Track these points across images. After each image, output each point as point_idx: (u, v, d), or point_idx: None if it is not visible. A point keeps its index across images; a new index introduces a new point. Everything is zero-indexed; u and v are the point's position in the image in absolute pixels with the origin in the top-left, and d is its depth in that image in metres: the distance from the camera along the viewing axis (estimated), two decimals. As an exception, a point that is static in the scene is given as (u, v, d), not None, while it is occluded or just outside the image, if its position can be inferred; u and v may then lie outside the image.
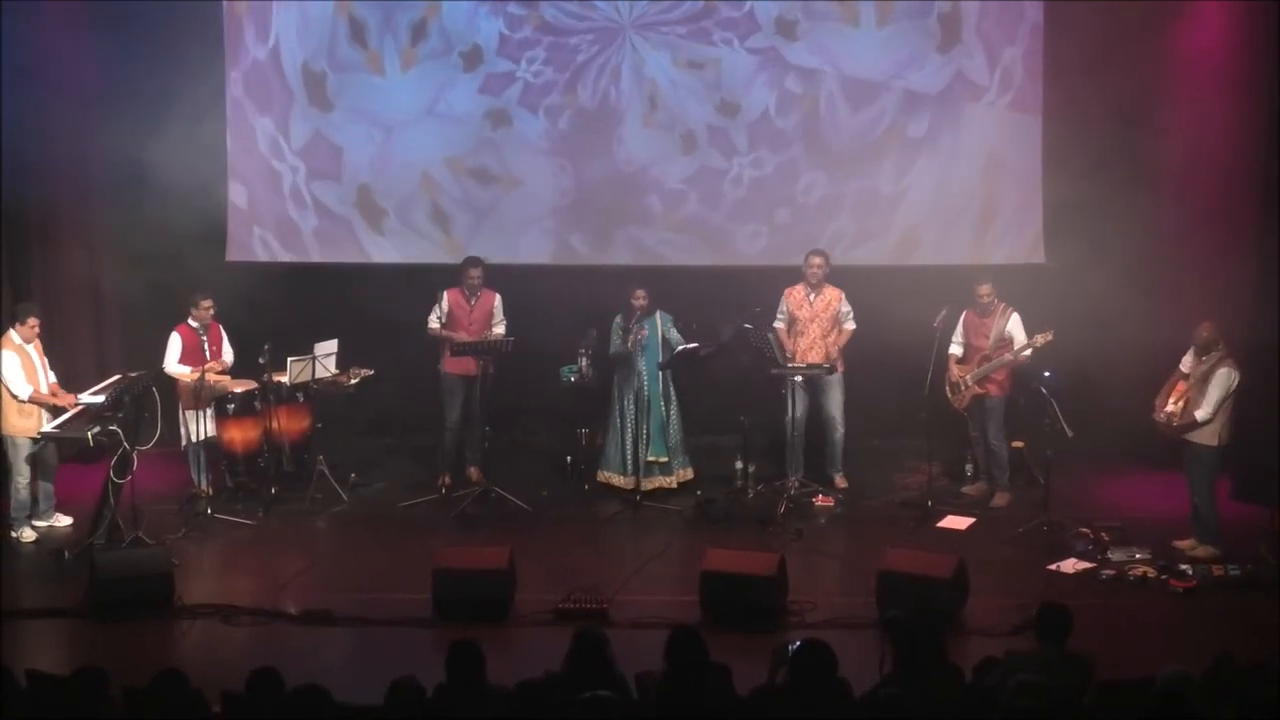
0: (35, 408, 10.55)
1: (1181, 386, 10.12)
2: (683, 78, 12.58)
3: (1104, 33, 12.01)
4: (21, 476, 10.62)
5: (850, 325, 11.64)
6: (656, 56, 12.55)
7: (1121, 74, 11.92)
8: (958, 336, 11.40)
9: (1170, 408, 10.11)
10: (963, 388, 11.28)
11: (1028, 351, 10.97)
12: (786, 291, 11.72)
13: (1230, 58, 11.49)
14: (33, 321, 10.67)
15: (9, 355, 10.51)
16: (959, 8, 12.33)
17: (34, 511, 10.79)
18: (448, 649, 6.44)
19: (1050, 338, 10.88)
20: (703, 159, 12.70)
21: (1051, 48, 12.41)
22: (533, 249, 12.87)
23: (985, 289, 11.22)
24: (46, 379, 10.73)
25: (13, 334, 10.64)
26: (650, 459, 11.51)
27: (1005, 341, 11.13)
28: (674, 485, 11.63)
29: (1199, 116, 11.66)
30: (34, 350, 10.69)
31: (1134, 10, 11.89)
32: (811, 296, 11.61)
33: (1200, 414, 9.93)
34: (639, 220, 12.86)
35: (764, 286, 12.00)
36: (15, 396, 10.47)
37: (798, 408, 11.54)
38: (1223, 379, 9.93)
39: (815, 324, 11.60)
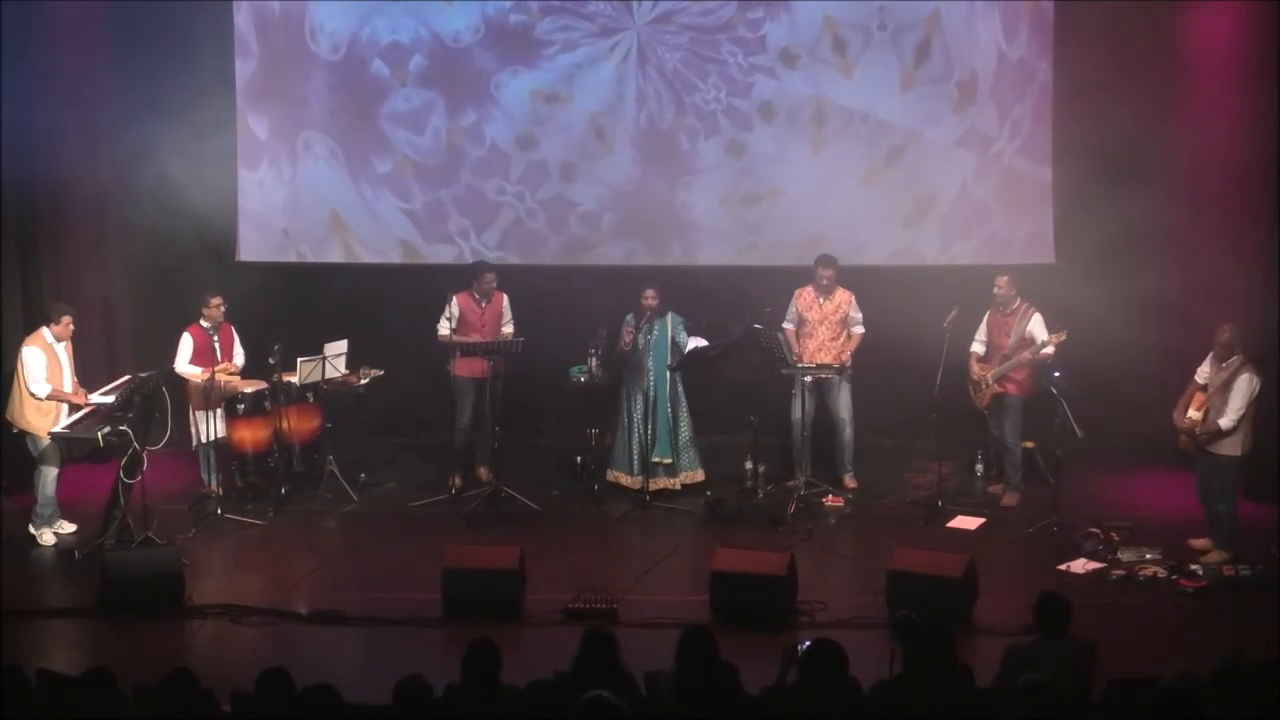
0: (53, 407, 10.57)
1: (1200, 397, 10.01)
2: (590, 147, 12.86)
3: (1113, 35, 12.06)
4: (49, 470, 10.65)
5: (859, 330, 11.63)
6: (593, 91, 12.77)
7: (1131, 74, 11.93)
8: (981, 334, 11.41)
9: (1193, 414, 9.99)
10: (983, 386, 11.28)
11: (1049, 349, 10.95)
12: (797, 293, 11.72)
13: (1242, 57, 11.48)
14: (67, 320, 10.69)
15: (35, 353, 10.53)
16: (975, 75, 12.64)
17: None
18: (466, 648, 6.43)
19: (1063, 337, 10.87)
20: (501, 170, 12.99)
21: (1061, 53, 12.46)
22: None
23: (1002, 280, 11.23)
24: (73, 379, 10.75)
25: (45, 332, 10.66)
26: (655, 459, 11.51)
27: (1026, 341, 11.11)
28: (677, 487, 11.62)
29: (1210, 117, 11.67)
30: (63, 351, 10.71)
31: (1142, 11, 11.92)
32: (821, 299, 11.61)
33: (1224, 422, 9.82)
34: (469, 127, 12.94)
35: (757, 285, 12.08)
36: (34, 395, 10.50)
37: (805, 409, 11.56)
38: (1244, 385, 9.82)
39: (824, 326, 11.60)
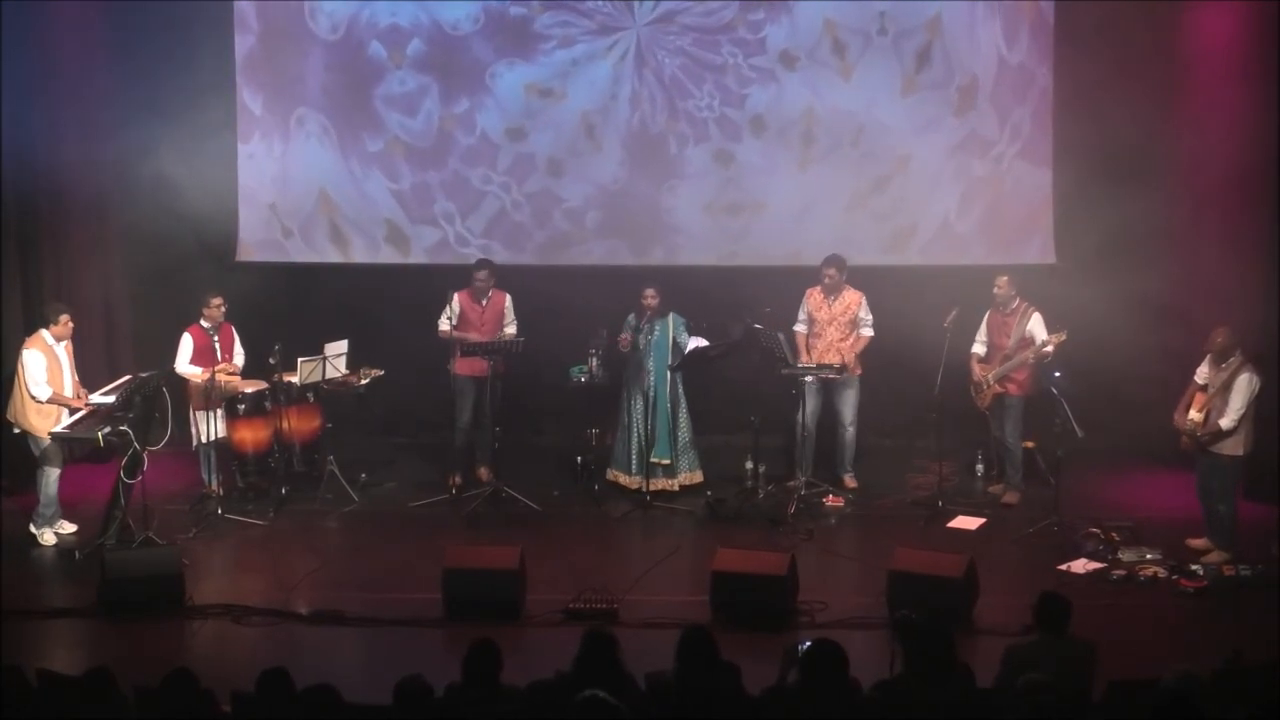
0: (54, 409, 10.56)
1: (1201, 398, 10.01)
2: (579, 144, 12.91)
3: (1113, 36, 12.07)
4: (53, 471, 10.64)
5: (868, 332, 11.61)
6: (571, 95, 12.85)
7: (1131, 74, 11.94)
8: (981, 335, 11.42)
9: (1194, 415, 10.00)
10: (984, 386, 11.29)
11: (1049, 349, 10.95)
12: (807, 293, 11.71)
13: (1242, 57, 11.48)
14: (64, 319, 10.67)
15: (35, 355, 10.52)
16: (976, 79, 12.69)
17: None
18: (466, 648, 6.44)
19: (1063, 337, 10.88)
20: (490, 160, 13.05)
21: (1061, 54, 12.48)
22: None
23: (1002, 280, 11.25)
24: (73, 378, 10.75)
25: (45, 334, 10.64)
26: (654, 460, 11.49)
27: (1026, 340, 11.12)
28: (676, 488, 11.60)
29: (1210, 117, 11.66)
30: (63, 351, 10.70)
31: (1142, 11, 11.93)
32: (830, 299, 11.60)
33: (1225, 422, 9.81)
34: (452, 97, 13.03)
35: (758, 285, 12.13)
36: (34, 398, 10.50)
37: (809, 408, 11.55)
38: (1244, 385, 9.81)
39: (833, 327, 11.58)
